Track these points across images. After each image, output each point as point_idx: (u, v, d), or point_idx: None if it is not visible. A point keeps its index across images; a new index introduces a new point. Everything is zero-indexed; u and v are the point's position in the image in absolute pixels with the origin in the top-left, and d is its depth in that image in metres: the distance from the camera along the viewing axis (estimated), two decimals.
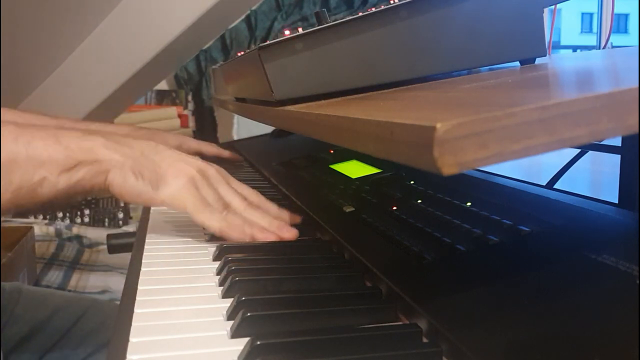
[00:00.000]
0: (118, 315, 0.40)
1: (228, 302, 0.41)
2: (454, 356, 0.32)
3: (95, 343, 0.81)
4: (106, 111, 2.08)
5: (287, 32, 0.50)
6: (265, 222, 0.57)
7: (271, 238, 0.55)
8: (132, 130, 0.90)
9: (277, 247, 0.54)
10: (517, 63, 0.54)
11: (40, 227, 1.74)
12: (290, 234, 0.56)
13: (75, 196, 0.53)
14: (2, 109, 0.74)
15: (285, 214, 0.60)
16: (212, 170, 0.59)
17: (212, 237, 0.58)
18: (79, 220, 2.08)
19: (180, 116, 2.33)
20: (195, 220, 0.54)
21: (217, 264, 0.50)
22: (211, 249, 0.54)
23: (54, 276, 1.62)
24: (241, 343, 0.34)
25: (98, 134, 0.54)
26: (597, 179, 0.73)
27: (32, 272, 1.54)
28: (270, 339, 0.33)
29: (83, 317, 0.82)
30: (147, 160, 0.54)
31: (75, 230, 1.83)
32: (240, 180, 0.63)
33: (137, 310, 0.40)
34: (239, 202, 0.58)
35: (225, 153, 1.01)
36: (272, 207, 0.61)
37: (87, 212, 2.10)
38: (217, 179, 0.58)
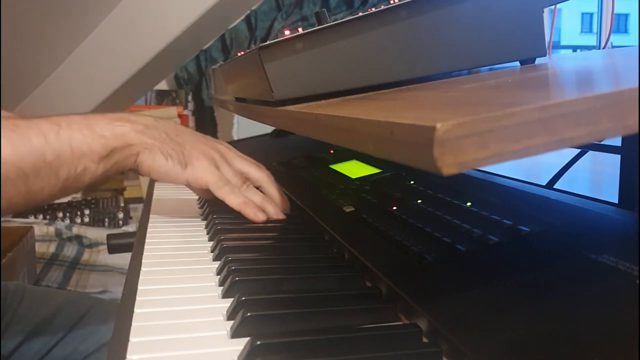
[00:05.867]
0: (118, 315, 0.40)
1: (228, 302, 0.41)
2: (454, 356, 0.32)
3: (98, 341, 0.81)
4: (106, 111, 2.08)
5: (287, 32, 0.50)
6: (279, 198, 0.64)
7: (281, 217, 0.63)
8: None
9: (277, 247, 0.54)
10: (517, 63, 0.54)
11: (40, 227, 1.73)
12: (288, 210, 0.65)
13: (110, 177, 0.57)
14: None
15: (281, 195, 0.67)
16: (223, 147, 0.65)
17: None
18: (79, 220, 2.08)
19: (180, 116, 2.33)
20: (217, 196, 0.60)
21: (217, 264, 0.50)
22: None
23: (54, 276, 1.62)
24: (241, 343, 0.34)
25: (123, 119, 0.57)
26: (597, 179, 0.73)
27: (32, 272, 1.54)
28: (270, 339, 0.33)
29: (86, 316, 0.82)
30: (173, 142, 0.58)
31: (75, 230, 1.83)
32: None
33: (137, 310, 0.40)
34: (256, 172, 0.64)
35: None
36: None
37: (87, 212, 2.10)
38: (230, 155, 0.64)
